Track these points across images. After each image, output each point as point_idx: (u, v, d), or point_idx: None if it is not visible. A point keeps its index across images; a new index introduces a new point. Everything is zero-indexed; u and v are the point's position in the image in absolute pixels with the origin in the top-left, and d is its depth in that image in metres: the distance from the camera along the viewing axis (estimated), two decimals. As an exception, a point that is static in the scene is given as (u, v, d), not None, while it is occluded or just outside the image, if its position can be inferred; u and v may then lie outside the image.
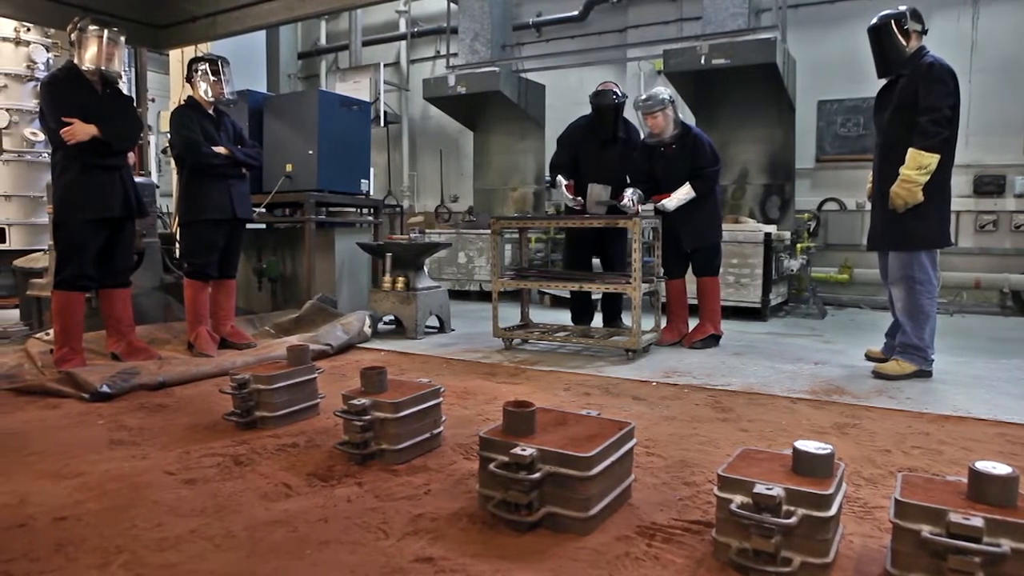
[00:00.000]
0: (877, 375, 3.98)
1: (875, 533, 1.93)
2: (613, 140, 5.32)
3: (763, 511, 1.63)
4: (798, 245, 7.38)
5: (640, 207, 4.87)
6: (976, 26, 7.46)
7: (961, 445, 2.77)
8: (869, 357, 4.41)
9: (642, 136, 5.14)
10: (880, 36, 3.97)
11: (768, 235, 6.62)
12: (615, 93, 5.22)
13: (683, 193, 4.88)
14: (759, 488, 1.64)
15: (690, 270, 5.19)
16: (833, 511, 1.65)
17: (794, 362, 4.53)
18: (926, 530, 1.51)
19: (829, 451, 1.74)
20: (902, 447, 2.73)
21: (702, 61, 7.00)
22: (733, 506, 1.67)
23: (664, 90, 4.97)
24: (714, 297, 5.11)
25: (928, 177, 3.72)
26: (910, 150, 3.73)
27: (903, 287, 3.95)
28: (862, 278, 7.89)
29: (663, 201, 4.93)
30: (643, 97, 4.98)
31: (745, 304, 6.62)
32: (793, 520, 1.61)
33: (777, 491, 1.63)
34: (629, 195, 4.84)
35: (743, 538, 1.69)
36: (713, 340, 5.07)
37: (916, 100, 3.77)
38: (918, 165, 3.71)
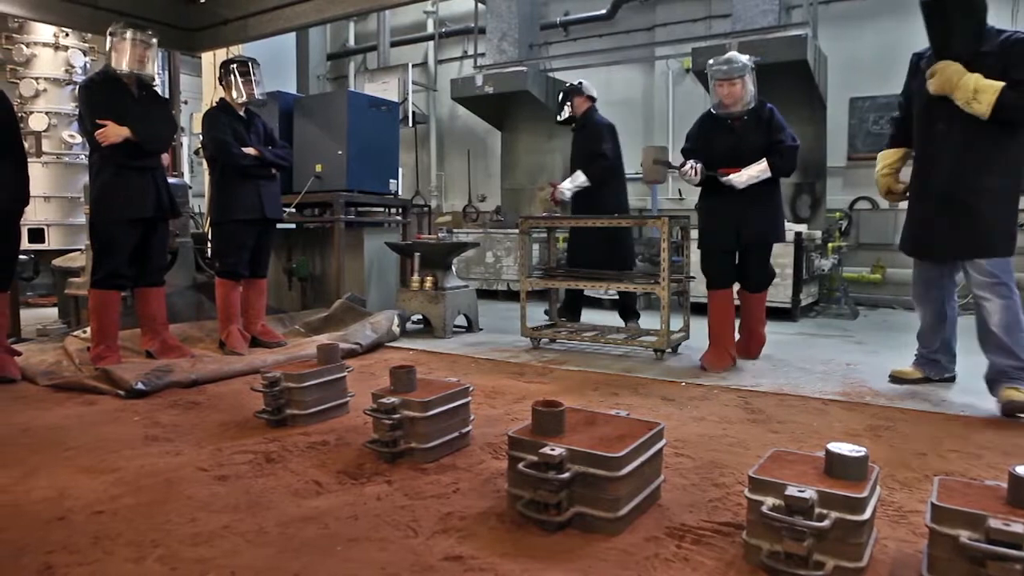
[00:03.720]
0: (1011, 407, 3.15)
1: (910, 538, 1.90)
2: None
3: (795, 514, 1.61)
4: (829, 244, 7.27)
5: (700, 175, 4.23)
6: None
7: (1001, 449, 2.71)
8: (899, 379, 3.82)
9: (709, 107, 4.41)
10: (948, 10, 3.31)
11: (799, 234, 6.54)
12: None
13: (757, 170, 4.16)
14: (791, 490, 1.62)
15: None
16: (867, 514, 1.62)
17: (825, 363, 4.47)
18: (964, 535, 1.48)
19: (863, 453, 1.71)
20: (938, 450, 2.68)
21: (732, 59, 6.92)
22: (764, 508, 1.65)
23: (744, 56, 4.28)
24: (764, 309, 4.59)
25: (985, 108, 3.16)
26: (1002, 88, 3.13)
27: (996, 297, 3.29)
28: (895, 278, 7.75)
29: (731, 176, 4.17)
30: (720, 60, 4.25)
31: (775, 304, 6.52)
32: (826, 523, 1.59)
33: (809, 493, 1.61)
34: (691, 163, 4.25)
35: (774, 541, 1.67)
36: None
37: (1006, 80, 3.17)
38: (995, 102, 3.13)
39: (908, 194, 3.70)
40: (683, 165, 4.27)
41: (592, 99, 5.59)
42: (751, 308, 4.53)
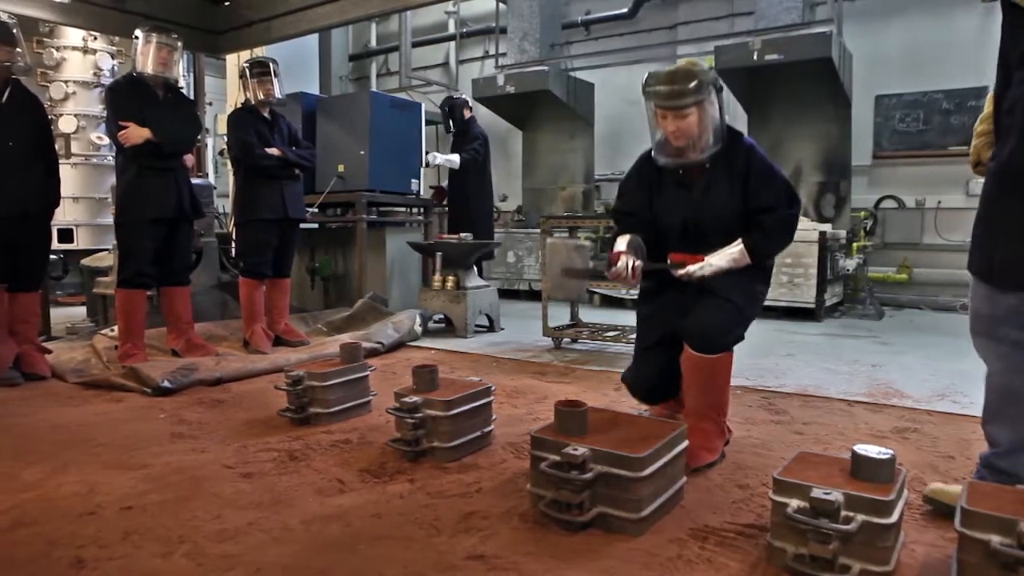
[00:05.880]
0: None
1: (939, 542, 1.87)
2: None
3: (821, 516, 1.60)
4: (854, 244, 7.19)
5: (638, 277, 2.62)
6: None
7: (1030, 452, 2.66)
8: (938, 502, 2.08)
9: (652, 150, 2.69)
10: None
11: (823, 234, 6.47)
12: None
13: (728, 259, 2.54)
14: (817, 492, 1.61)
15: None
16: (894, 518, 1.60)
17: (850, 364, 4.42)
18: (995, 540, 1.46)
19: (890, 455, 1.69)
20: (967, 453, 2.64)
21: (755, 57, 6.87)
22: (790, 510, 1.64)
23: (702, 65, 2.61)
24: (724, 384, 2.59)
25: None
26: None
27: None
28: (921, 278, 7.65)
29: (690, 268, 2.56)
30: (659, 76, 2.54)
31: (799, 304, 6.49)
32: (852, 526, 1.58)
33: (835, 496, 1.59)
34: (625, 259, 2.58)
35: (800, 543, 1.65)
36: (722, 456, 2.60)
37: None
38: None
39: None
40: (613, 262, 2.60)
41: (471, 109, 6.76)
42: (698, 385, 2.56)
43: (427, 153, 6.51)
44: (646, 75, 2.56)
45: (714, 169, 2.59)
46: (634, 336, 3.02)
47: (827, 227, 6.75)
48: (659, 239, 2.69)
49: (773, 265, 2.80)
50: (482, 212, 6.60)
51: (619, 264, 2.56)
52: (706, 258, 2.55)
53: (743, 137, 2.65)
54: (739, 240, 2.55)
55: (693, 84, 2.45)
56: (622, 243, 2.64)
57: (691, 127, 2.49)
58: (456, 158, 6.37)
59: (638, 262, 2.58)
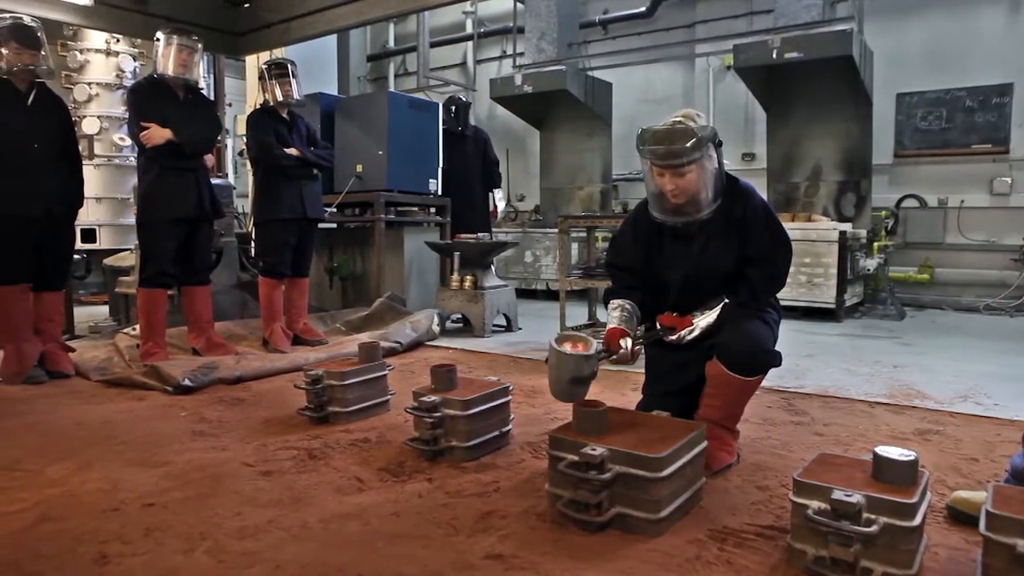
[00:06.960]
0: None
1: (963, 546, 1.85)
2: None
3: (842, 518, 1.58)
4: (875, 244, 7.12)
5: (637, 356, 2.52)
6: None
7: (1056, 455, 2.62)
8: (962, 512, 2.02)
9: (649, 206, 2.55)
10: None
11: (843, 233, 6.41)
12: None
13: (717, 317, 2.52)
14: (838, 494, 1.59)
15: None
16: (917, 521, 1.59)
17: (871, 364, 4.37)
18: (1022, 545, 1.44)
19: (913, 457, 1.67)
20: (991, 456, 2.60)
21: (774, 55, 6.81)
22: (810, 512, 1.63)
23: (696, 115, 2.46)
24: (748, 400, 2.52)
25: None
26: None
27: None
28: (943, 278, 7.56)
29: (683, 333, 2.52)
30: (656, 133, 2.38)
31: (818, 304, 6.43)
32: (874, 529, 1.56)
33: (857, 498, 1.58)
34: (625, 343, 2.47)
35: (820, 545, 1.64)
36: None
37: None
38: None
39: None
40: (613, 349, 2.46)
41: None
42: (721, 399, 2.47)
43: (495, 209, 7.09)
44: (640, 131, 2.42)
45: (714, 224, 2.48)
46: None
47: (847, 226, 6.68)
48: (657, 291, 2.62)
49: (781, 308, 2.68)
50: (481, 213, 6.84)
51: (620, 353, 2.45)
52: (694, 321, 2.50)
53: (739, 182, 2.54)
54: (725, 300, 2.49)
55: (691, 142, 2.31)
56: (615, 318, 2.55)
57: (689, 185, 2.37)
58: (499, 195, 7.06)
59: (637, 346, 2.50)
